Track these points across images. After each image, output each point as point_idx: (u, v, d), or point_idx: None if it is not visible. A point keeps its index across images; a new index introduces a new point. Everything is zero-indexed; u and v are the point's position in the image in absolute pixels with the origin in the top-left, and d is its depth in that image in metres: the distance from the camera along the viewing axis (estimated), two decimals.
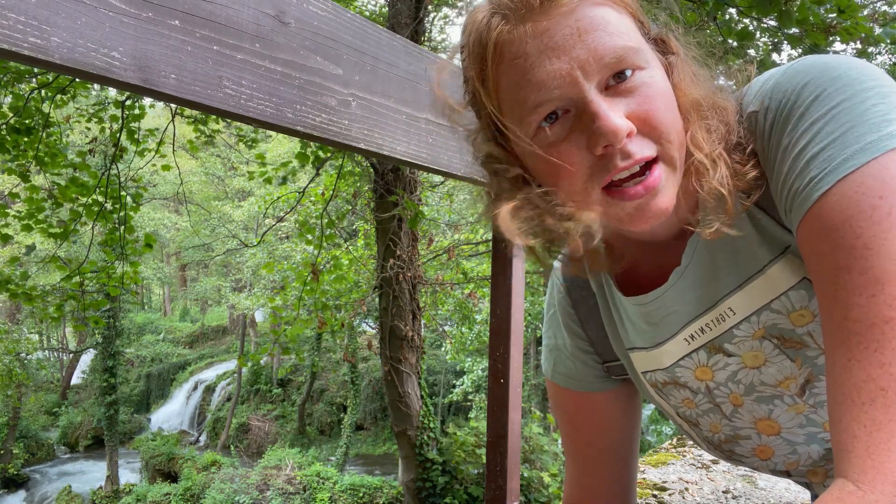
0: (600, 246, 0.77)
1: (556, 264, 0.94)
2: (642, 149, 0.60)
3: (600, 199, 0.63)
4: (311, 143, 6.59)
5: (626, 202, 0.62)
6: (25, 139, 5.73)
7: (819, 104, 0.59)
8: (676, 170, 0.63)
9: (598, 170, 0.61)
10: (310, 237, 7.19)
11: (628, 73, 0.60)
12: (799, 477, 0.87)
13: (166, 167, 6.87)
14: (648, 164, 0.62)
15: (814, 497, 0.99)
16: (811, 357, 0.72)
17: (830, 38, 3.45)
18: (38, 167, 5.99)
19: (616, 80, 0.60)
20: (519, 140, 0.65)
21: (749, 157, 0.66)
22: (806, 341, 0.71)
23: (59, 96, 6.17)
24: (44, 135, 5.84)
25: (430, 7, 7.74)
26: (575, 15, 0.59)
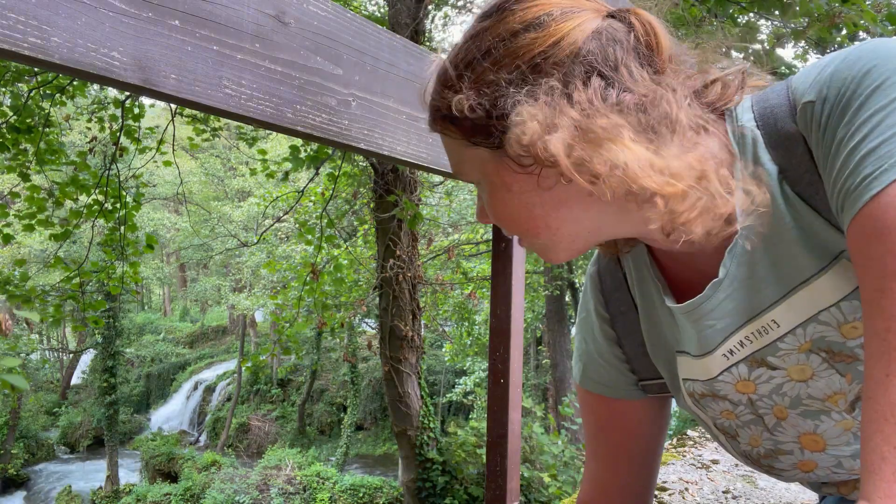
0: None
1: (590, 269, 0.92)
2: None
3: None
4: (307, 145, 6.60)
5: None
6: (25, 137, 5.74)
7: (881, 94, 0.54)
8: (539, 244, 0.72)
9: None
10: (310, 237, 7.19)
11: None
12: (831, 486, 0.83)
13: (167, 163, 6.89)
14: None
15: (820, 500, 0.98)
16: (863, 372, 0.67)
17: (834, 32, 3.43)
18: (38, 167, 6.00)
19: None
20: None
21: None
22: (857, 354, 0.67)
23: (58, 95, 6.17)
24: (44, 132, 5.85)
25: (430, 7, 7.73)
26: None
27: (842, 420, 0.72)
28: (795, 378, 0.72)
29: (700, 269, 0.73)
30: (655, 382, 0.88)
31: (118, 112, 6.40)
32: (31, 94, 5.83)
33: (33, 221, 5.93)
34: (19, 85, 5.98)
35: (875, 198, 0.52)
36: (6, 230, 5.75)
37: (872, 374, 0.52)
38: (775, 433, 0.78)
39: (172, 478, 17.11)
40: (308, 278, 7.22)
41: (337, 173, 7.55)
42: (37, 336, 22.42)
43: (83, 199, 6.12)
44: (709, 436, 0.92)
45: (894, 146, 0.52)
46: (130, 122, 6.26)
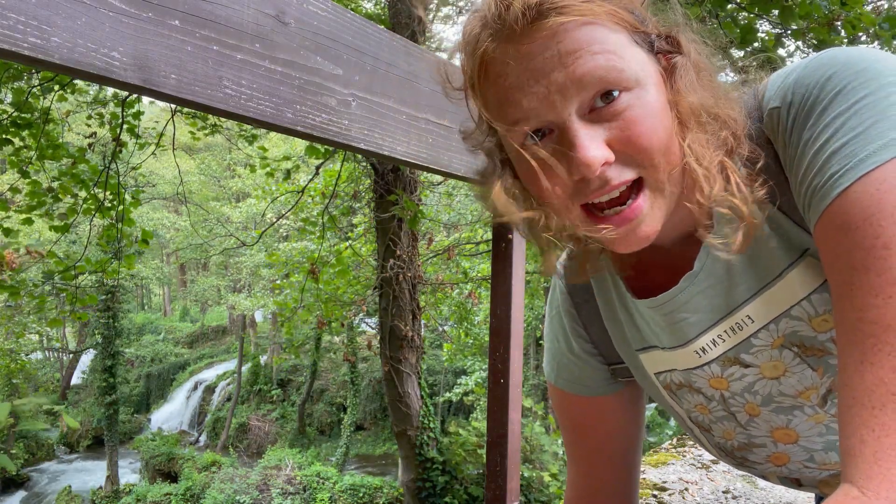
0: (598, 247, 0.75)
1: (560, 264, 0.92)
2: (621, 174, 0.59)
3: (581, 217, 0.63)
4: None
5: (603, 226, 0.61)
6: (25, 132, 5.75)
7: (842, 98, 0.57)
8: (664, 193, 0.62)
9: (577, 191, 0.61)
10: (311, 229, 7.19)
11: (615, 93, 0.58)
12: (810, 487, 0.84)
13: (164, 149, 6.91)
14: (632, 187, 0.61)
15: (818, 500, 0.98)
16: (834, 365, 0.69)
17: (833, 34, 3.43)
18: (38, 163, 6.01)
19: (604, 102, 0.58)
20: (508, 148, 0.65)
21: (759, 174, 0.63)
22: (828, 348, 0.69)
23: (58, 91, 6.18)
24: (44, 128, 5.85)
25: (430, 7, 7.73)
26: (558, 37, 0.57)
27: (814, 414, 0.74)
28: (768, 375, 0.73)
29: (674, 263, 0.74)
30: (623, 366, 0.89)
31: (118, 110, 6.40)
32: (32, 92, 5.84)
33: (32, 214, 5.93)
34: (19, 83, 5.98)
35: (841, 195, 0.55)
36: (6, 224, 5.75)
37: (847, 363, 0.54)
38: (748, 428, 0.80)
39: (172, 478, 17.11)
40: (311, 269, 7.24)
41: (339, 170, 7.55)
42: (37, 336, 22.44)
43: (82, 194, 6.13)
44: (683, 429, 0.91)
45: (857, 146, 0.55)
46: (130, 119, 6.26)
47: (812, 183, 0.58)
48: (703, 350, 0.75)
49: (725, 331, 0.73)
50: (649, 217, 0.61)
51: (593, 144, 0.58)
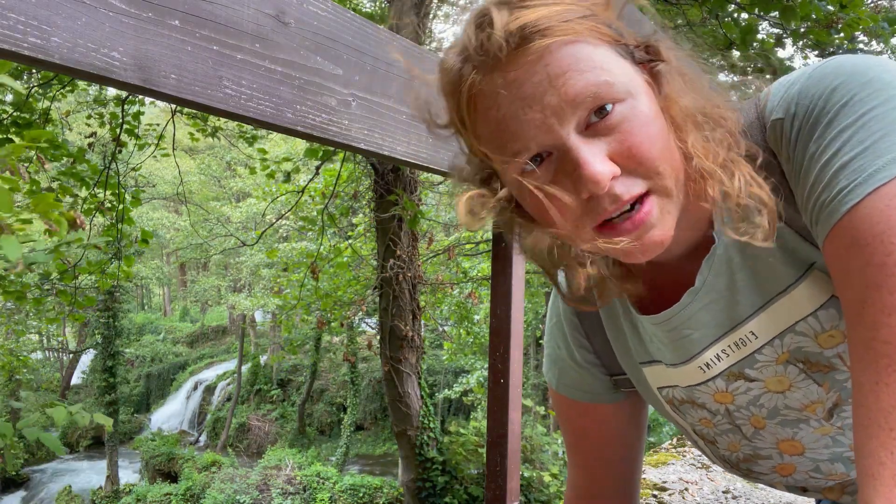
0: (607, 268, 0.73)
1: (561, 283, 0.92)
2: (630, 188, 0.58)
3: (592, 236, 0.61)
4: None
5: (617, 238, 0.60)
6: (26, 132, 5.75)
7: (849, 110, 0.56)
8: (672, 197, 0.61)
9: (588, 211, 0.60)
10: (312, 226, 7.19)
11: (609, 107, 0.57)
12: (815, 493, 0.84)
13: (166, 154, 6.94)
14: (640, 198, 0.60)
15: (818, 502, 0.98)
16: (840, 381, 0.69)
17: (833, 35, 3.43)
18: (38, 163, 6.01)
19: (598, 117, 0.57)
20: (507, 181, 0.64)
21: (760, 170, 0.62)
22: (835, 364, 0.68)
23: (59, 91, 6.18)
24: (44, 128, 5.86)
25: (431, 7, 7.73)
26: (544, 60, 0.56)
27: (820, 427, 0.73)
28: (773, 389, 0.73)
29: (677, 280, 0.73)
30: (625, 377, 0.88)
31: (118, 110, 6.41)
32: (31, 93, 5.84)
33: (32, 215, 5.93)
34: (19, 82, 5.99)
35: (851, 210, 0.54)
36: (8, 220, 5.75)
37: (862, 383, 0.53)
38: (754, 440, 0.79)
39: (172, 478, 17.11)
40: (310, 267, 7.25)
41: (338, 169, 7.55)
42: (37, 336, 22.45)
43: (82, 194, 6.13)
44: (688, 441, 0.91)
45: (866, 161, 0.53)
46: (130, 119, 6.26)
47: (820, 198, 0.57)
48: (708, 365, 0.74)
49: (729, 346, 0.72)
50: (660, 221, 0.60)
51: (597, 160, 0.57)
